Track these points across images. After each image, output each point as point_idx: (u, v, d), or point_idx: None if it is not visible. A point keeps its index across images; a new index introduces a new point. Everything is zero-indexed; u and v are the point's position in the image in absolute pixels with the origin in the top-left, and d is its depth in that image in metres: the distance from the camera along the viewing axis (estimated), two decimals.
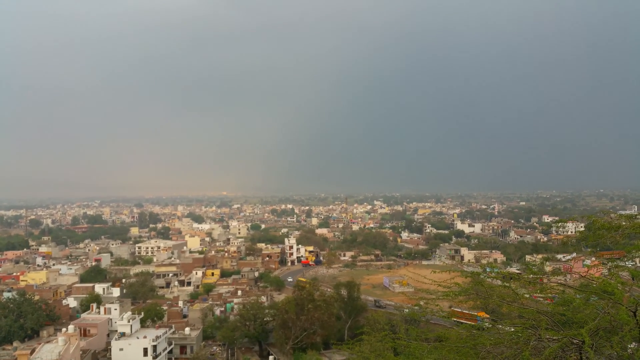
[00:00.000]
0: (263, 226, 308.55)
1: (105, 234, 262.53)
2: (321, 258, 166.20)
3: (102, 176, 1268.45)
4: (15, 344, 73.68)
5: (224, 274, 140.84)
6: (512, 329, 15.17)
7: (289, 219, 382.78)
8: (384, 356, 21.21)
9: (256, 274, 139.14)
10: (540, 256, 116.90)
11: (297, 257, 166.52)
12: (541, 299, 18.17)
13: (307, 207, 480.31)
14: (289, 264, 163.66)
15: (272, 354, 75.93)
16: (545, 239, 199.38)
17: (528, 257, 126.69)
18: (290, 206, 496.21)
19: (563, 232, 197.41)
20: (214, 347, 79.31)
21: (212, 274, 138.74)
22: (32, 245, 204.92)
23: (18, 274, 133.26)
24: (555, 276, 17.13)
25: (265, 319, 79.47)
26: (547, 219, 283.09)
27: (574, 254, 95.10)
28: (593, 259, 19.80)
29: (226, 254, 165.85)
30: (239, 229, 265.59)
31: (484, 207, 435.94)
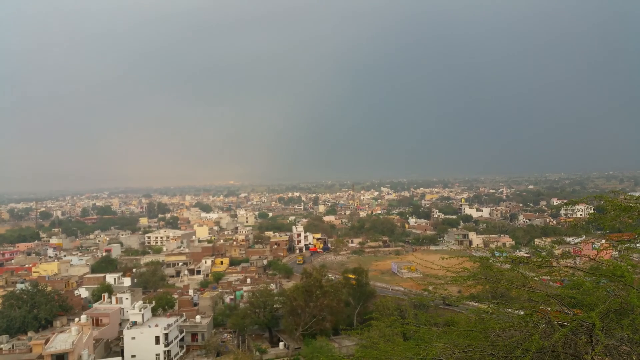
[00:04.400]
0: (270, 214, 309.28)
1: (114, 225, 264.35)
2: (329, 245, 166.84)
3: (110, 167, 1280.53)
4: (29, 334, 74.93)
5: (233, 263, 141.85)
6: (522, 313, 15.12)
7: (296, 206, 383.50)
8: (393, 341, 21.25)
9: (265, 261, 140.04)
10: (549, 239, 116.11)
11: (305, 245, 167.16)
12: (550, 282, 18.09)
13: (314, 195, 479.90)
14: (297, 251, 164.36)
15: (282, 340, 76.76)
16: (554, 222, 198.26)
17: (537, 241, 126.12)
18: (297, 194, 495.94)
19: (572, 215, 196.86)
20: (225, 335, 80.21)
21: (221, 263, 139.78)
22: (43, 237, 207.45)
23: (30, 265, 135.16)
24: (564, 259, 17.01)
25: (274, 306, 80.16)
26: (555, 202, 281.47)
27: (583, 237, 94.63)
28: (603, 241, 19.63)
29: (235, 243, 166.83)
30: (247, 218, 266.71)
31: (492, 191, 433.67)
